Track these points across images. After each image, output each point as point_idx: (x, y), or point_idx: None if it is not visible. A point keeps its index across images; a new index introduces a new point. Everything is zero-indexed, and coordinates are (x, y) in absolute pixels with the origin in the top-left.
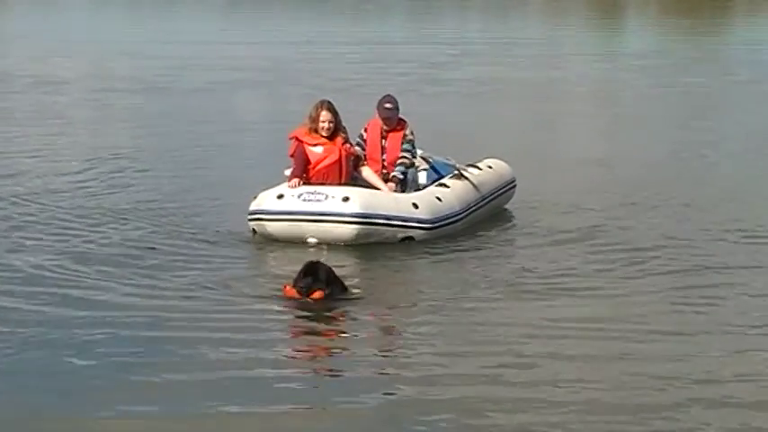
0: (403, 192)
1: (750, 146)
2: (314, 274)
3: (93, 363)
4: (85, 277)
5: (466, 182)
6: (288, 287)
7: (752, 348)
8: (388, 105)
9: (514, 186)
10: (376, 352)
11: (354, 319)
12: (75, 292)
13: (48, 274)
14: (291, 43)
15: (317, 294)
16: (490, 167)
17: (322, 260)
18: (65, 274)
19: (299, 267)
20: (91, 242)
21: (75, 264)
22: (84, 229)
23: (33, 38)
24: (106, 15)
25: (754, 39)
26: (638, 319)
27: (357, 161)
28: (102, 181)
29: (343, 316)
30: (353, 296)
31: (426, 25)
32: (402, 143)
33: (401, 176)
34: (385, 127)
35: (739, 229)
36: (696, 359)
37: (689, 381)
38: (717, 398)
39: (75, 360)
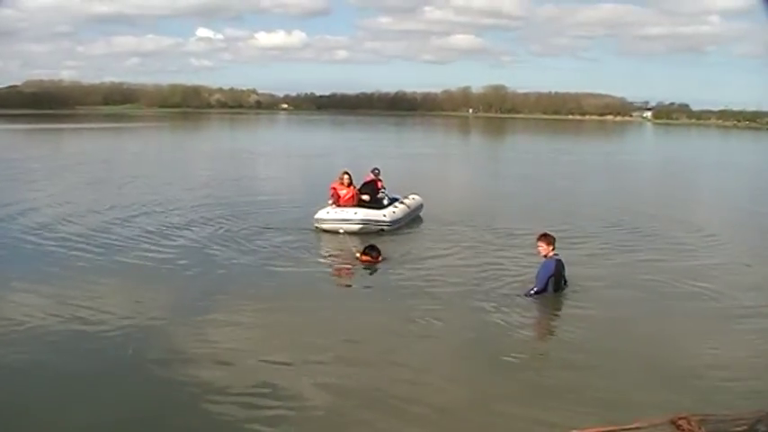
0: (379, 208)
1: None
2: (374, 249)
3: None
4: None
5: (404, 205)
6: (361, 255)
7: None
8: (375, 171)
9: (422, 207)
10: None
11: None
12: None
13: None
14: (358, 139)
15: (380, 258)
16: (414, 198)
17: (364, 242)
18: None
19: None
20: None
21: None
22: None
23: (254, 140)
24: (288, 132)
25: (596, 144)
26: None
27: (360, 195)
28: (253, 203)
29: (381, 276)
30: (384, 260)
31: (417, 136)
32: (381, 189)
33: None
34: (373, 179)
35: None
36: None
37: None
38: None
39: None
